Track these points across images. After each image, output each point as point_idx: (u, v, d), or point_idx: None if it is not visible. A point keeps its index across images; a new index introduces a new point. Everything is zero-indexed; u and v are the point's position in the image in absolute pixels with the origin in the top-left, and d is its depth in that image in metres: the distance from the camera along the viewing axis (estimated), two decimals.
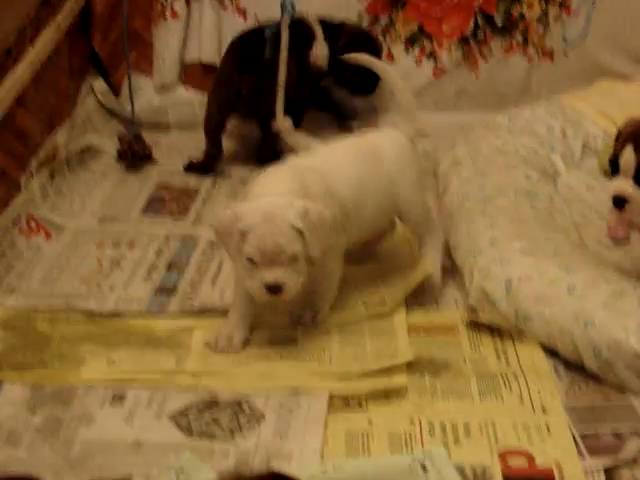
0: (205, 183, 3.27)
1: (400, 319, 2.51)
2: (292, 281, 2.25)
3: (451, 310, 2.58)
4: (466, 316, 2.51)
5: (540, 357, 2.37)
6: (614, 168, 2.36)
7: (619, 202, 2.34)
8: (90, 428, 2.15)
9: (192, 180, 3.28)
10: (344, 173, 2.47)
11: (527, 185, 2.91)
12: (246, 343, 2.41)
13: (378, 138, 2.63)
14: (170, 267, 2.77)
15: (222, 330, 2.40)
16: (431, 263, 2.65)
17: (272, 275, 2.23)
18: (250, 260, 2.24)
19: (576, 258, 2.49)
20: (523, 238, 2.56)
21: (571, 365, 2.33)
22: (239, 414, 2.19)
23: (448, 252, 2.75)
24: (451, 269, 2.72)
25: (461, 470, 2.00)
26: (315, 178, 2.39)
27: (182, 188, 3.24)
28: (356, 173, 2.49)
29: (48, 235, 2.92)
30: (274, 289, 2.24)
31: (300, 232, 2.23)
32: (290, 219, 2.23)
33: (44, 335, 2.45)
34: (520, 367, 2.33)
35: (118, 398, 2.24)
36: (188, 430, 2.15)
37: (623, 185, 2.33)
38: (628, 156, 2.31)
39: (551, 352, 2.38)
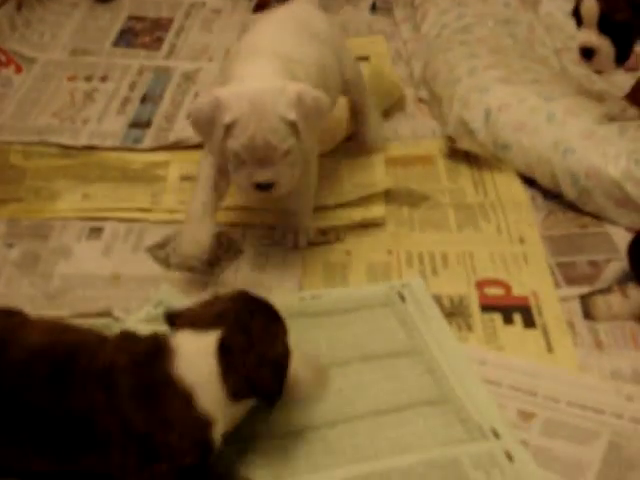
0: (178, 13, 3.19)
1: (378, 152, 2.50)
2: (285, 178, 1.99)
3: (429, 141, 2.55)
4: (444, 146, 2.50)
5: (518, 187, 2.37)
6: (578, 19, 2.31)
7: (587, 53, 2.27)
8: (68, 262, 2.15)
9: (165, 10, 3.20)
10: (312, 62, 2.13)
11: (506, 13, 2.86)
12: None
13: (304, 11, 2.30)
14: (144, 100, 2.72)
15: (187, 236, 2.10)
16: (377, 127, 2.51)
17: (263, 175, 1.96)
18: (237, 156, 1.97)
19: (556, 86, 2.46)
20: (502, 67, 2.53)
21: (549, 195, 2.34)
22: (218, 247, 2.19)
23: (425, 82, 2.72)
24: (428, 99, 2.69)
25: (438, 299, 2.03)
26: (301, 70, 2.08)
27: (155, 19, 3.16)
28: (320, 60, 2.18)
29: (19, 68, 2.86)
30: (265, 187, 1.98)
31: (293, 124, 1.95)
32: (281, 110, 1.93)
33: (18, 170, 2.43)
34: (498, 198, 2.33)
35: (95, 231, 2.24)
36: (165, 263, 2.15)
37: (588, 35, 2.29)
38: (589, 4, 2.26)
39: (529, 182, 2.38)
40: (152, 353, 1.56)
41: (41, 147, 2.51)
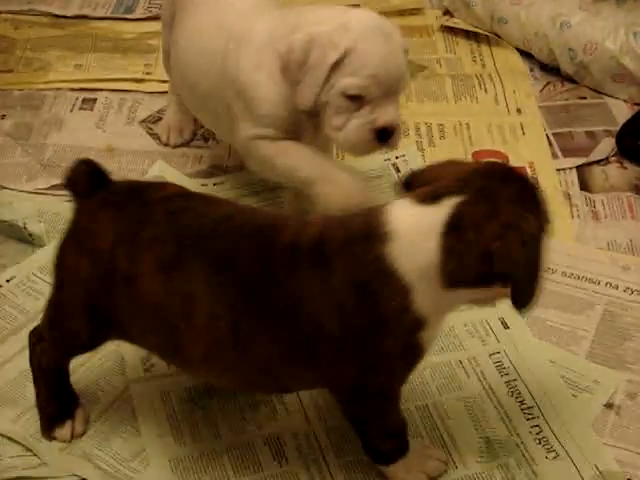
0: None
1: None
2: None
3: (427, 10, 2.52)
4: (441, 20, 2.46)
5: (516, 58, 2.35)
6: None
7: None
8: (61, 133, 2.14)
9: None
10: None
11: None
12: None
13: None
14: None
15: (171, 123, 2.12)
16: None
17: (390, 114, 1.62)
18: (351, 97, 1.61)
19: None
20: None
21: (547, 66, 2.32)
22: None
23: None
24: None
25: None
26: None
27: None
28: None
29: None
30: (387, 135, 1.64)
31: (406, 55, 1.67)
32: (400, 36, 1.65)
33: (8, 40, 2.40)
34: (496, 68, 2.31)
35: (88, 102, 2.22)
36: (158, 138, 2.14)
37: None
38: None
39: (527, 55, 2.35)
40: (368, 232, 1.28)
41: (30, 16, 2.48)
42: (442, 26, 2.45)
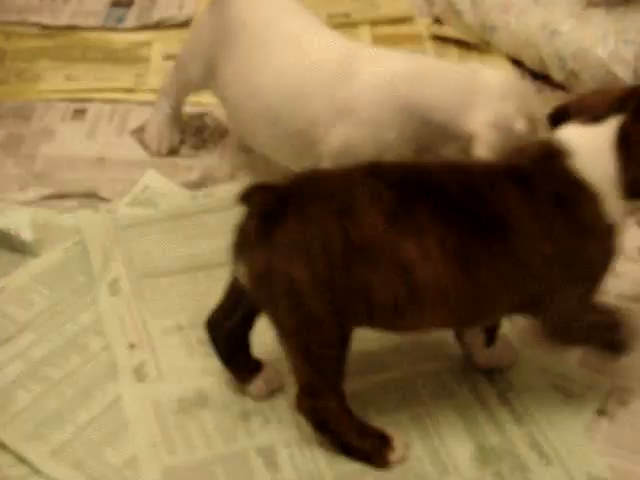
0: None
1: (364, 31, 2.47)
2: None
3: (417, 19, 2.52)
4: (431, 28, 2.47)
5: (506, 66, 2.33)
6: None
7: None
8: (52, 143, 2.14)
9: None
10: None
11: None
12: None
13: None
14: None
15: (159, 131, 2.12)
16: None
17: None
18: None
19: None
20: None
21: (537, 74, 2.32)
22: (203, 130, 2.17)
23: None
24: None
25: None
26: None
27: None
28: None
29: None
30: None
31: None
32: None
33: None
34: None
35: (79, 113, 2.22)
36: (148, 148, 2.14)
37: None
38: None
39: (518, 63, 2.35)
40: (549, 152, 1.42)
41: (21, 27, 2.48)
42: (432, 35, 2.45)
